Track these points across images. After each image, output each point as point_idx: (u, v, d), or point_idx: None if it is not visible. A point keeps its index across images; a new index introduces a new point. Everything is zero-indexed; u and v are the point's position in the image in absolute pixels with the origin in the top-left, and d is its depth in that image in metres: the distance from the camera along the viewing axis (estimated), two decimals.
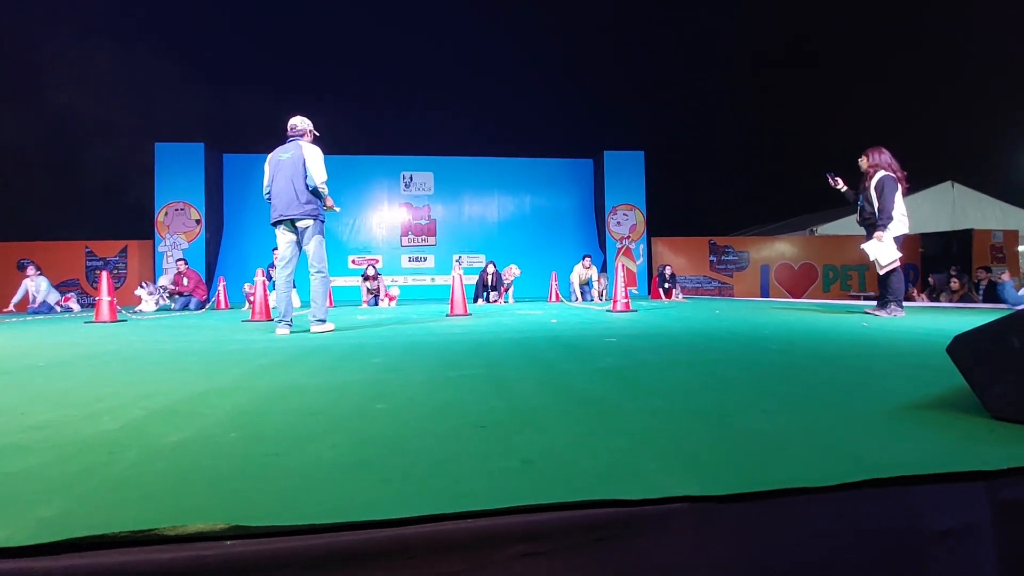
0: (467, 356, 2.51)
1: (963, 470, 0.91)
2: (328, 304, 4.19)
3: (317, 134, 4.35)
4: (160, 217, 12.86)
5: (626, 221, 14.42)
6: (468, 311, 6.10)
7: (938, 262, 13.25)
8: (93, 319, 6.16)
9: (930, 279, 12.04)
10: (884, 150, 4.86)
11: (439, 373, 2.03)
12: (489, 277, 9.85)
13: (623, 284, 6.36)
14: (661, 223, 16.40)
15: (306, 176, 4.06)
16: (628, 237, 14.42)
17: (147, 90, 21.79)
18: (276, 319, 4.17)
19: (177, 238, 12.83)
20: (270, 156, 4.24)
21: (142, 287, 9.44)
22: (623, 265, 7.15)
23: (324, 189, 4.13)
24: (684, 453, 1.02)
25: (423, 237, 14.62)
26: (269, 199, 4.21)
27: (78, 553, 0.64)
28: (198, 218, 12.89)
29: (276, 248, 9.22)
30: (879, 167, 4.78)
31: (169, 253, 12.61)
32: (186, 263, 10.21)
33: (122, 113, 21.26)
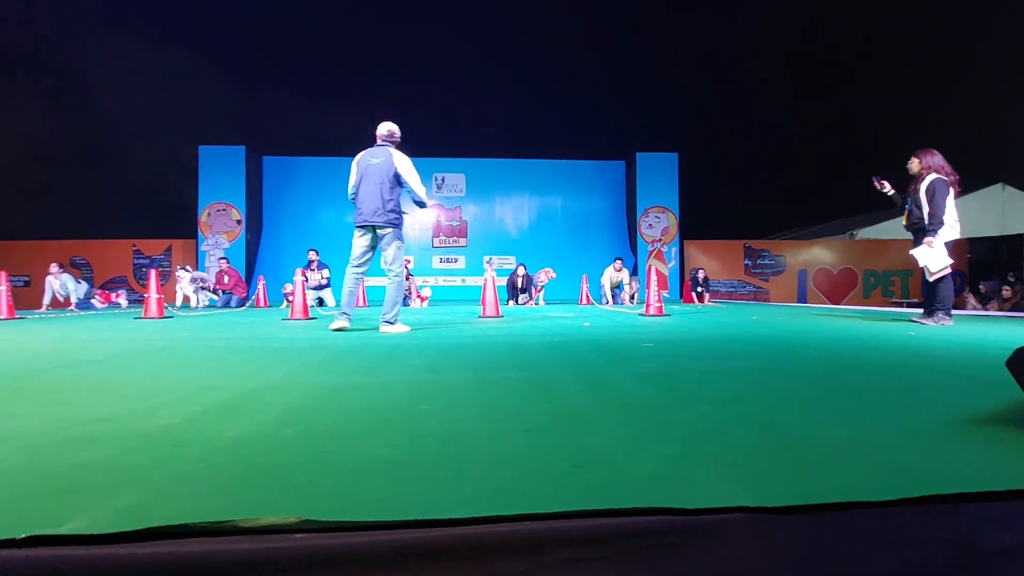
0: (505, 358, 2.53)
1: (1022, 488, 0.88)
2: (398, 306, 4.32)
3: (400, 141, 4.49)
4: (203, 217, 13.33)
5: (658, 224, 14.26)
6: (500, 313, 6.13)
7: (987, 268, 12.67)
8: (142, 315, 6.43)
9: (981, 286, 11.56)
10: (935, 152, 4.69)
11: (479, 375, 2.05)
12: (519, 279, 9.90)
13: (656, 288, 6.28)
14: (694, 225, 16.21)
15: (393, 185, 4.20)
16: (660, 240, 14.25)
17: (192, 95, 22.67)
18: (337, 312, 4.29)
19: (219, 237, 13.28)
20: (358, 158, 4.34)
21: (185, 270, 9.79)
22: (655, 268, 7.07)
23: (428, 202, 4.36)
24: (735, 461, 1.01)
25: (454, 238, 14.76)
26: (354, 200, 4.32)
27: (163, 541, 0.68)
28: (239, 218, 13.32)
29: (312, 249, 9.47)
30: (931, 170, 4.62)
31: (211, 252, 13.06)
32: (228, 262, 10.55)
33: (167, 117, 22.16)
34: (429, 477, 0.94)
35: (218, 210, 13.31)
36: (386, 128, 4.39)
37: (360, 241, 4.30)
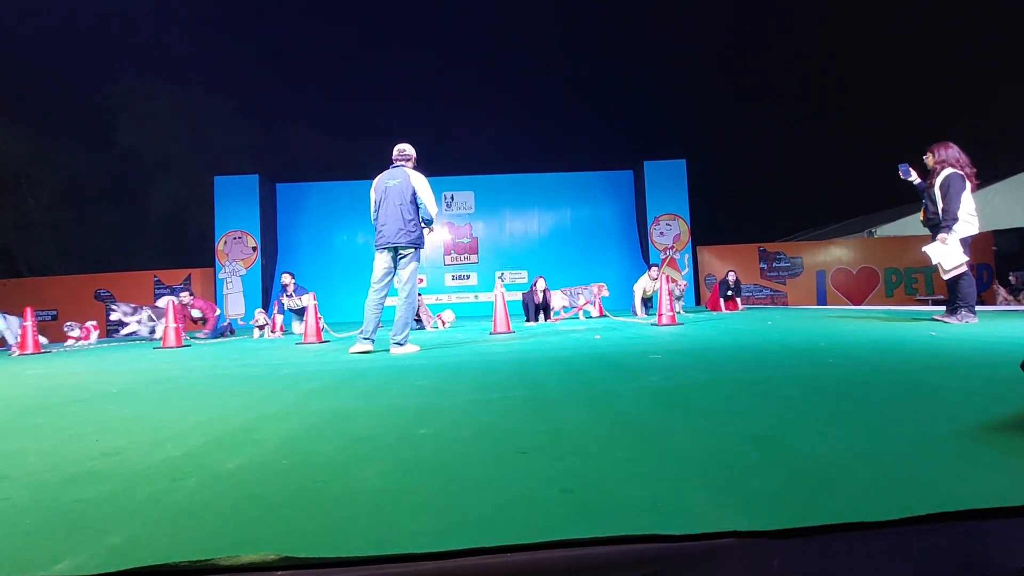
0: (510, 377, 2.51)
1: None
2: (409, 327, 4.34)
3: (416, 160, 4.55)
4: (220, 246, 13.60)
5: (669, 231, 14.17)
6: (511, 328, 6.11)
7: (1015, 260, 12.30)
8: (161, 345, 6.54)
9: (1011, 277, 11.24)
10: (951, 144, 4.57)
11: (481, 395, 2.04)
12: (539, 295, 8.42)
13: (668, 297, 6.22)
14: (706, 231, 16.07)
15: (413, 206, 4.25)
16: (672, 247, 14.14)
17: (208, 128, 23.38)
18: (360, 336, 4.29)
19: (236, 265, 13.52)
20: (376, 182, 4.38)
21: (119, 307, 8.36)
22: (668, 277, 7.00)
23: (435, 222, 4.39)
24: (733, 482, 0.98)
25: (465, 255, 14.83)
26: (376, 223, 4.36)
27: None
28: (254, 245, 13.56)
29: (287, 272, 9.09)
30: (946, 163, 4.50)
31: (229, 280, 13.29)
32: (191, 294, 8.67)
33: (185, 151, 22.87)
34: (417, 506, 0.93)
35: (234, 238, 13.57)
36: (400, 149, 4.44)
37: (381, 263, 4.32)
